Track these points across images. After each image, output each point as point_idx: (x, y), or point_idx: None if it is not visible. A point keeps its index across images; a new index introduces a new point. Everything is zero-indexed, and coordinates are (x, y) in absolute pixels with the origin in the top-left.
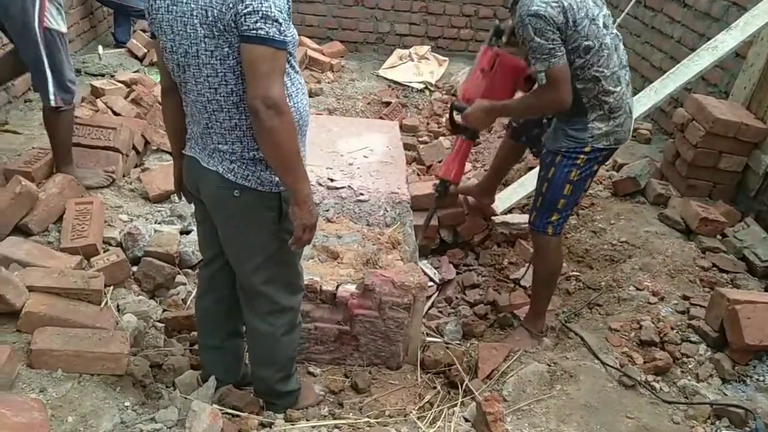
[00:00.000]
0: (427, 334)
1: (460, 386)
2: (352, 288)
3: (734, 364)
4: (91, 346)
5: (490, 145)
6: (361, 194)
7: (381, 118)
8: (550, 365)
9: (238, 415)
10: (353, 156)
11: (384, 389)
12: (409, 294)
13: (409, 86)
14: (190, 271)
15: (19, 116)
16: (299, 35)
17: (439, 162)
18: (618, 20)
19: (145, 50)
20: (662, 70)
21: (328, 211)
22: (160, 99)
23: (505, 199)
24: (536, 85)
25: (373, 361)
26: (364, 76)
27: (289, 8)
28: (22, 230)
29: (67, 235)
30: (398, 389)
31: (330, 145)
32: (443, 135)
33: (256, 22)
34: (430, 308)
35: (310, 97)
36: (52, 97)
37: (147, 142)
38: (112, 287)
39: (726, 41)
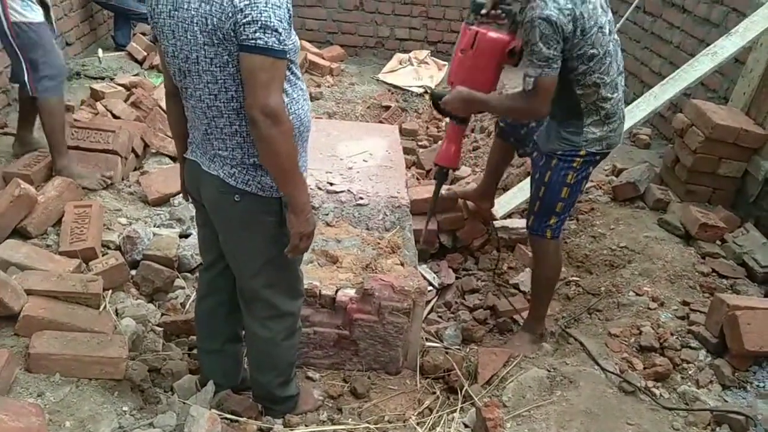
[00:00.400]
0: (427, 339)
1: (459, 392)
2: (352, 292)
3: (734, 370)
4: (90, 350)
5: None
6: (361, 198)
7: (380, 122)
8: (549, 371)
9: (236, 420)
10: (353, 160)
11: (383, 394)
12: (408, 299)
13: (408, 90)
14: (189, 274)
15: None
16: (299, 39)
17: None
18: (618, 25)
19: (145, 53)
20: (662, 75)
21: (327, 215)
22: (159, 102)
23: (504, 203)
24: (521, 89)
25: (373, 366)
26: (364, 80)
27: (290, 17)
28: (20, 233)
29: (66, 238)
30: (397, 394)
31: (329, 149)
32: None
33: (255, 32)
34: (429, 313)
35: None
36: (28, 86)
37: (146, 145)
38: (110, 291)
39: (725, 47)
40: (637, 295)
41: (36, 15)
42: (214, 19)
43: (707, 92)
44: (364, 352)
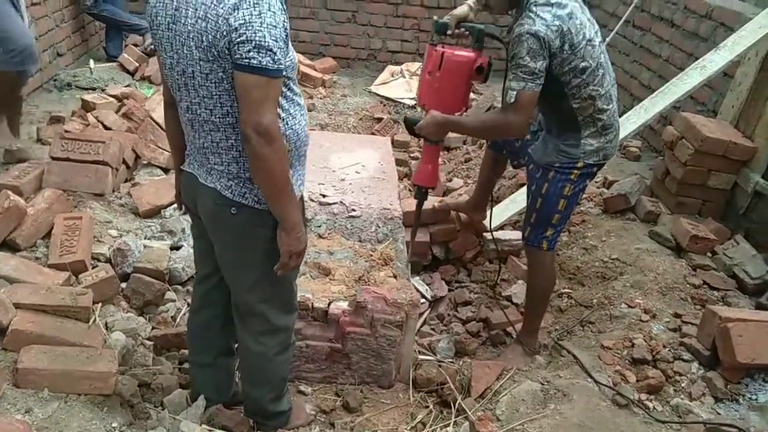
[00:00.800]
0: (420, 352)
1: (452, 405)
2: (344, 305)
3: (726, 383)
4: (79, 365)
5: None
6: (353, 210)
7: (373, 133)
8: (543, 384)
9: None
10: (345, 172)
11: (376, 408)
12: (401, 311)
13: (400, 102)
14: (180, 287)
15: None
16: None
17: None
18: (608, 39)
19: (137, 64)
20: (651, 88)
21: (320, 227)
22: (151, 114)
23: (497, 215)
24: (497, 107)
25: (365, 380)
26: (356, 92)
27: (286, 35)
28: (9, 245)
29: (55, 250)
30: (390, 408)
31: (322, 160)
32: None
33: (249, 51)
34: (422, 325)
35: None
36: None
37: (138, 157)
38: (100, 304)
39: (714, 61)
40: (629, 307)
41: None
42: (210, 36)
43: (696, 105)
44: (357, 365)
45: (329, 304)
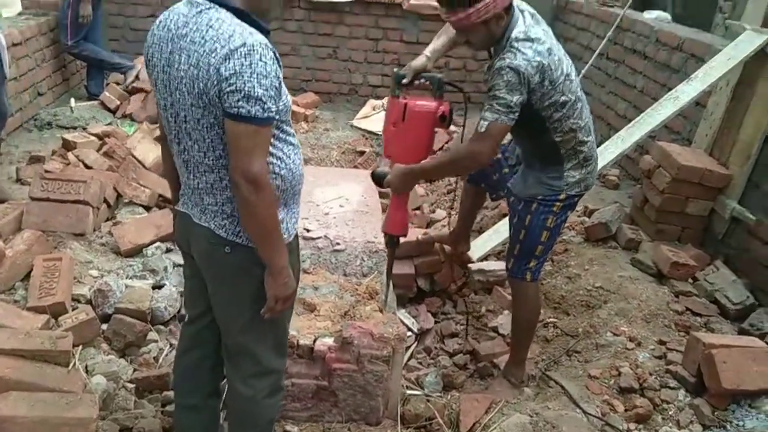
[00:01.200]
0: (407, 387)
1: None
2: (330, 341)
3: (713, 410)
4: (58, 411)
5: None
6: (338, 244)
7: (356, 167)
8: (532, 416)
9: None
10: (329, 205)
11: None
12: (388, 346)
13: (382, 135)
14: (162, 327)
15: None
16: None
17: (415, 210)
18: (583, 71)
19: (118, 102)
20: (627, 118)
21: (304, 261)
22: (133, 152)
23: (480, 246)
24: (470, 136)
25: (353, 417)
26: (338, 126)
27: (279, 82)
28: None
29: (34, 293)
30: None
31: (306, 195)
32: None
33: (239, 101)
34: (409, 359)
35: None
36: None
37: (119, 195)
38: (80, 347)
39: (686, 91)
40: (615, 335)
41: None
42: (201, 84)
43: (671, 134)
44: (344, 402)
45: (315, 341)
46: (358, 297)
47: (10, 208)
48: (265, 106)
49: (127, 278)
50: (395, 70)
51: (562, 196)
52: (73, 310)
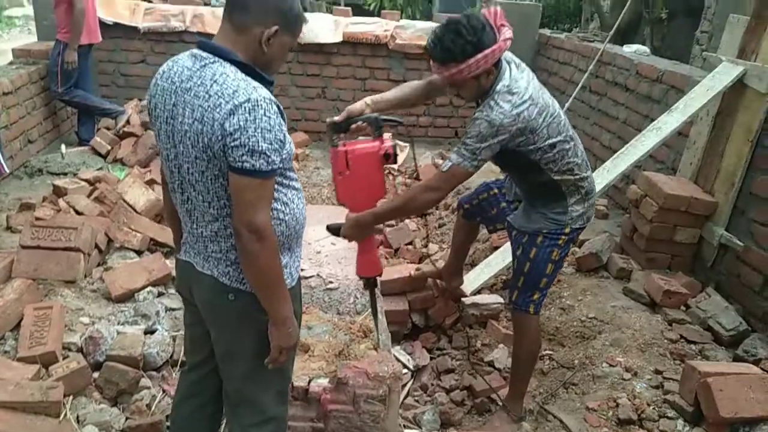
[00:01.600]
0: (405, 426)
1: None
2: (325, 382)
3: None
4: None
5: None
6: (330, 282)
7: None
8: None
9: None
10: (321, 244)
11: None
12: (383, 385)
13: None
14: (154, 373)
15: None
16: None
17: (407, 245)
18: (567, 104)
19: (109, 147)
20: (612, 149)
21: None
22: (124, 196)
23: (473, 279)
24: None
25: None
26: (329, 164)
27: (283, 135)
28: None
29: (24, 342)
30: None
31: None
32: (408, 218)
33: (243, 155)
34: (405, 397)
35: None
36: None
37: (110, 240)
38: (71, 397)
39: (668, 122)
40: (611, 366)
41: None
42: (206, 139)
43: (656, 164)
44: None
45: (309, 382)
46: (352, 335)
47: (0, 257)
48: (269, 159)
49: (118, 324)
50: (328, 119)
51: (567, 230)
52: (64, 358)
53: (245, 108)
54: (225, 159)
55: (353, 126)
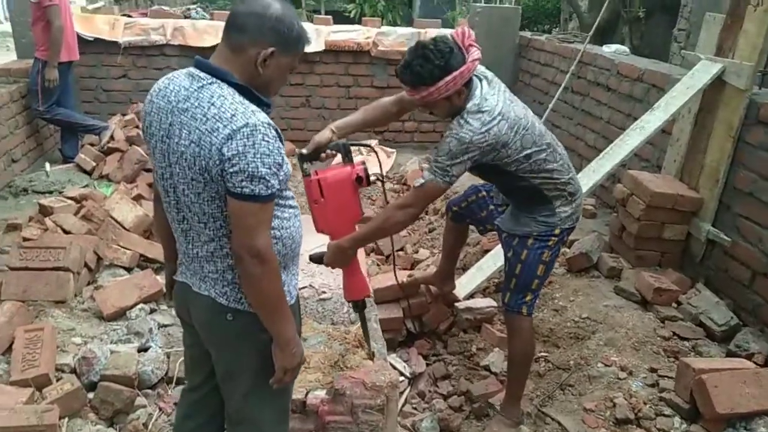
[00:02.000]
0: None
1: None
2: (322, 394)
3: None
4: None
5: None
6: (324, 293)
7: None
8: None
9: None
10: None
11: None
12: (381, 394)
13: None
14: (150, 391)
15: None
16: None
17: (398, 251)
18: (550, 105)
19: (94, 164)
20: (596, 148)
21: None
22: (111, 213)
23: (465, 284)
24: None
25: None
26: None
27: (281, 156)
28: None
29: (17, 366)
30: None
31: None
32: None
33: (242, 181)
34: (403, 405)
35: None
36: None
37: (99, 258)
38: (67, 419)
39: (651, 121)
40: (606, 365)
41: None
42: (203, 162)
43: (641, 162)
44: None
45: (307, 394)
46: (347, 345)
47: None
48: (269, 184)
49: (111, 343)
50: (297, 151)
51: (557, 231)
52: (57, 380)
53: (243, 133)
54: (223, 183)
55: (323, 155)
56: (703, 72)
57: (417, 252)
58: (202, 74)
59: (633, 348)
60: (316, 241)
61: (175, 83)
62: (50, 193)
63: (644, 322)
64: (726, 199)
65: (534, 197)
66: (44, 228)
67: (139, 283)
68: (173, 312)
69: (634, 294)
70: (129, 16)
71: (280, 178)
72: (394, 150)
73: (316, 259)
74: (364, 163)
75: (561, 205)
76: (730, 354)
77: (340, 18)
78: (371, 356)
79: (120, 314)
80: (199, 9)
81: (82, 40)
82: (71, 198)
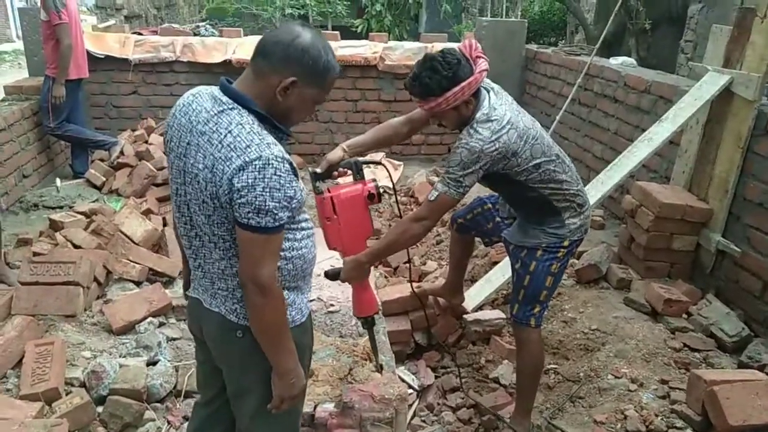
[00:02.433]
0: None
1: None
2: (331, 407)
3: None
4: None
5: None
6: (332, 305)
7: None
8: None
9: None
10: (321, 266)
11: None
12: (390, 407)
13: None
14: (158, 405)
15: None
16: None
17: (406, 263)
18: (557, 118)
19: (104, 179)
20: (604, 159)
21: None
22: (121, 228)
23: (474, 296)
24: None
25: None
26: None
27: (293, 189)
28: None
29: (26, 380)
30: None
31: None
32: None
33: (249, 213)
34: (412, 418)
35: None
36: None
37: (109, 273)
38: None
39: (659, 132)
40: (616, 377)
41: None
42: (214, 188)
43: (649, 173)
44: None
45: (315, 408)
46: (355, 358)
47: (0, 294)
48: (277, 217)
49: (120, 357)
50: (310, 170)
51: (565, 243)
52: (67, 394)
53: (255, 166)
54: (232, 211)
55: (335, 173)
56: (711, 83)
57: (425, 264)
58: (225, 98)
59: (643, 359)
60: (325, 253)
61: (198, 102)
62: (60, 208)
63: (654, 334)
64: (736, 210)
65: (543, 208)
66: (54, 243)
67: (148, 297)
68: (181, 326)
69: (644, 305)
70: (139, 34)
71: (293, 206)
72: (401, 163)
73: (332, 275)
74: (375, 180)
75: (570, 217)
76: (741, 365)
77: (348, 33)
78: (380, 369)
79: (129, 328)
80: (207, 26)
81: (93, 58)
82: (81, 213)
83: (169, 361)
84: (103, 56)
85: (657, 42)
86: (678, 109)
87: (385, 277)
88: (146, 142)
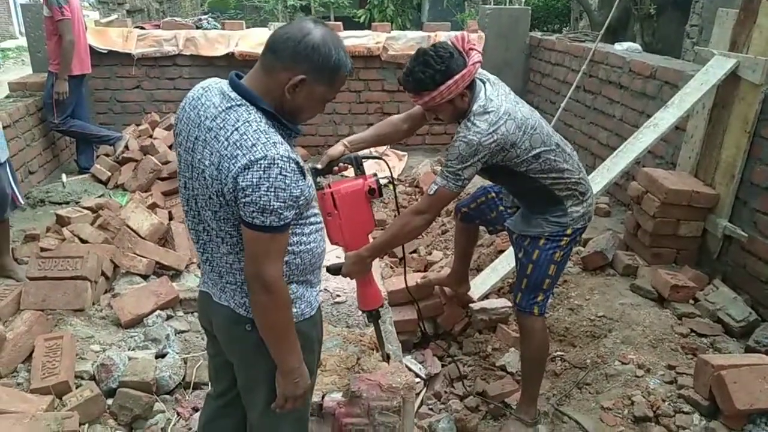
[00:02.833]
0: None
1: None
2: (339, 396)
3: (730, 431)
4: None
5: None
6: (338, 296)
7: None
8: None
9: None
10: (327, 257)
11: None
12: (397, 396)
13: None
14: (168, 396)
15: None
16: None
17: (411, 253)
18: (562, 105)
19: (109, 174)
20: (610, 146)
21: None
22: (127, 222)
23: (479, 284)
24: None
25: None
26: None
27: (299, 189)
28: None
29: (37, 374)
30: None
31: None
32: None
33: (253, 212)
34: (419, 407)
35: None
36: None
37: (116, 267)
38: (87, 425)
39: (665, 118)
40: (623, 363)
41: None
42: (220, 185)
43: (655, 159)
44: None
45: (323, 397)
46: (362, 347)
47: (8, 289)
48: (282, 216)
49: (129, 350)
50: (310, 165)
51: (569, 231)
52: (77, 387)
53: (261, 165)
54: (237, 209)
55: (335, 168)
56: (717, 67)
57: (430, 254)
58: (233, 94)
59: (650, 345)
60: (333, 247)
61: (207, 97)
62: (67, 203)
63: (661, 320)
64: (742, 195)
65: (545, 198)
66: (62, 238)
67: (155, 291)
68: (189, 318)
69: (651, 291)
70: (142, 28)
71: (300, 204)
72: (405, 153)
73: (334, 270)
74: (375, 174)
75: (572, 205)
76: (749, 350)
77: (350, 23)
78: (387, 359)
79: (137, 321)
80: (210, 19)
81: (96, 53)
82: (87, 208)
83: (177, 353)
84: (106, 51)
85: (662, 27)
86: (684, 94)
87: (391, 267)
88: (150, 136)
